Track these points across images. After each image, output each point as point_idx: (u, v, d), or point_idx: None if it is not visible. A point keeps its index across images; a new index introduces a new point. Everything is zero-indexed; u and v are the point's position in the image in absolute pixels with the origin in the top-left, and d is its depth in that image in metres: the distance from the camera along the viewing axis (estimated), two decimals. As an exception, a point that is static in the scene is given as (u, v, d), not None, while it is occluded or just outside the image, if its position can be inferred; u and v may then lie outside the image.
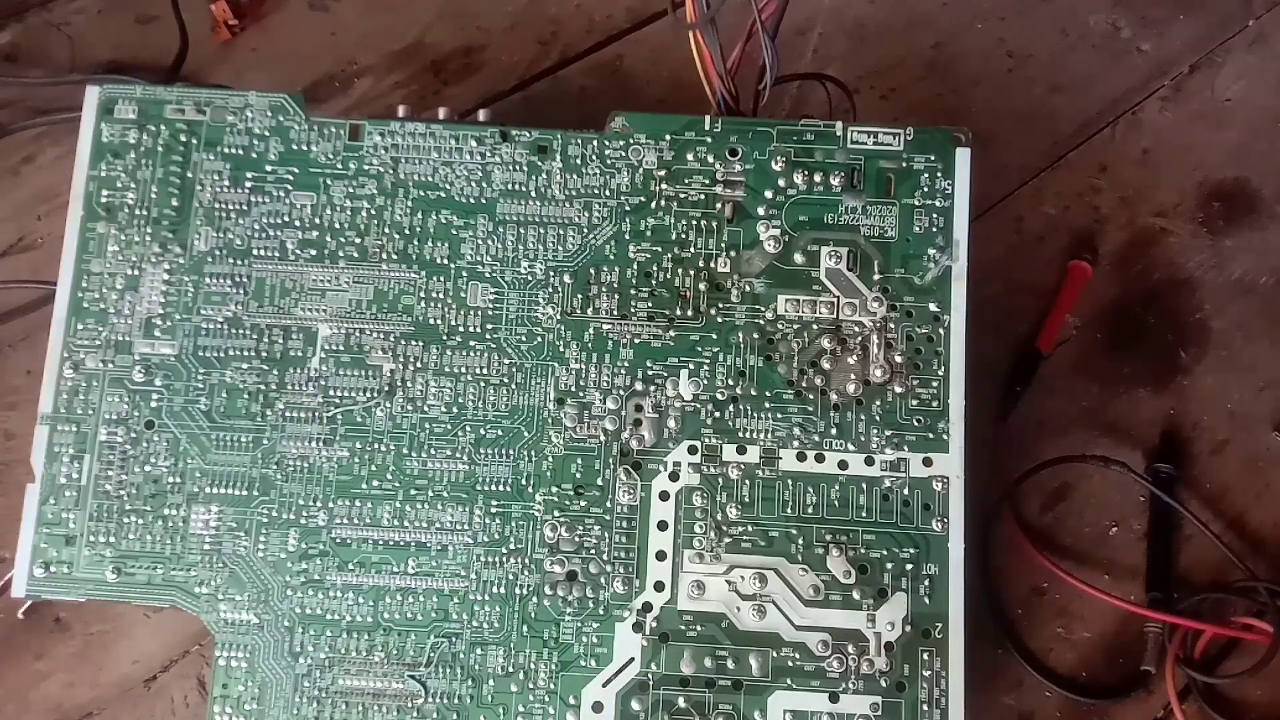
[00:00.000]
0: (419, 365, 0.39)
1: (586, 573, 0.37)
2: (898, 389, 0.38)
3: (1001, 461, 0.42)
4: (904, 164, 0.40)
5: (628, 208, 0.40)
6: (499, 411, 0.38)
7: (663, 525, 0.37)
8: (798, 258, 0.39)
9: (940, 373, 0.38)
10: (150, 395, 0.38)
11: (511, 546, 0.37)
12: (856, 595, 0.37)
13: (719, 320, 0.39)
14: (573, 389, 0.38)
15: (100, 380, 0.38)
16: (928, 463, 0.38)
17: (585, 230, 0.39)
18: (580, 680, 0.37)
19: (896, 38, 0.47)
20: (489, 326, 0.39)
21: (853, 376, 0.38)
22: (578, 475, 0.38)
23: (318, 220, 0.40)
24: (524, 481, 0.38)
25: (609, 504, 0.38)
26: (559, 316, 0.39)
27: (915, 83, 0.47)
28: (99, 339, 0.39)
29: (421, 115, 0.41)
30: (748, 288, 0.39)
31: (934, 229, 0.39)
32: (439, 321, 0.39)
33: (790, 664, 0.36)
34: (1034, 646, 0.41)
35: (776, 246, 0.39)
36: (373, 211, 0.40)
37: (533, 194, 0.40)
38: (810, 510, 0.38)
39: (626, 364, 0.39)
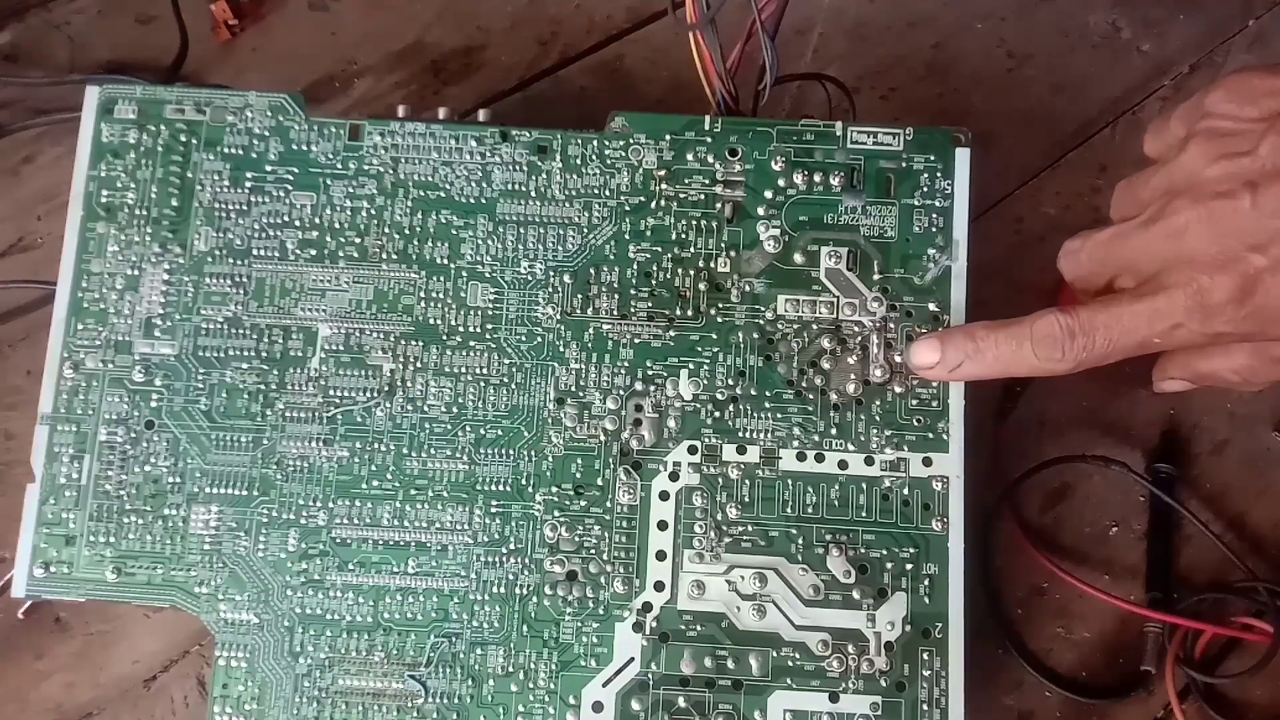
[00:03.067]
0: (419, 365, 0.39)
1: (586, 573, 0.37)
2: (898, 389, 0.38)
3: (1001, 461, 0.42)
4: (904, 164, 0.40)
5: (628, 208, 0.40)
6: (499, 411, 0.38)
7: (663, 525, 0.37)
8: (798, 258, 0.39)
9: (940, 373, 0.38)
10: (150, 395, 0.38)
11: (511, 546, 0.37)
12: (856, 595, 0.37)
13: (719, 320, 0.39)
14: (573, 389, 0.38)
15: (100, 380, 0.38)
16: (928, 463, 0.38)
17: (585, 230, 0.39)
18: (580, 680, 0.37)
19: (896, 38, 0.47)
20: (489, 326, 0.39)
21: (853, 376, 0.38)
22: (578, 475, 0.38)
23: (318, 220, 0.40)
24: (524, 481, 0.38)
25: (609, 504, 0.38)
26: (559, 316, 0.39)
27: (915, 83, 0.47)
28: (99, 339, 0.39)
29: (421, 115, 0.41)
30: (748, 288, 0.39)
31: (934, 229, 0.39)
32: (439, 321, 0.39)
33: (790, 664, 0.36)
34: (1034, 646, 0.41)
35: (776, 246, 0.39)
36: (373, 211, 0.40)
37: (533, 194, 0.40)
38: (810, 510, 0.38)
39: (626, 364, 0.39)
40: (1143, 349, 0.35)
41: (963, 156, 0.40)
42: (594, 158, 0.40)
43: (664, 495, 0.38)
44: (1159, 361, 0.40)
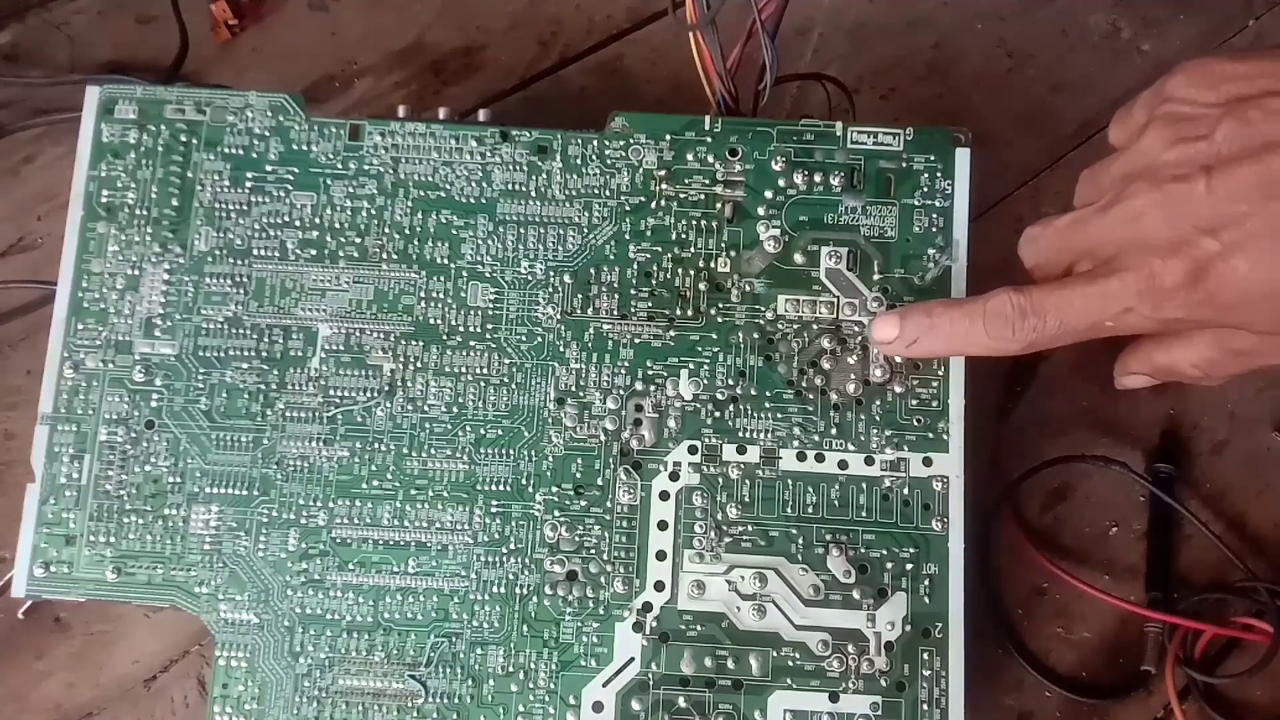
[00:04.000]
0: (419, 365, 0.39)
1: (586, 572, 0.37)
2: (898, 389, 0.38)
3: (1001, 461, 0.42)
4: (904, 164, 0.40)
5: (628, 208, 0.40)
6: (499, 411, 0.38)
7: (663, 525, 0.37)
8: (798, 258, 0.39)
9: (940, 372, 0.38)
10: (150, 395, 0.38)
11: (511, 546, 0.37)
12: (856, 595, 0.37)
13: (719, 320, 0.39)
14: (573, 389, 0.38)
15: (100, 380, 0.38)
16: (928, 463, 0.38)
17: (585, 230, 0.39)
18: (580, 680, 0.37)
19: (896, 38, 0.47)
20: (489, 326, 0.39)
21: (853, 376, 0.38)
22: (578, 475, 0.38)
23: (318, 220, 0.40)
24: (524, 481, 0.38)
25: (609, 504, 0.38)
26: (559, 316, 0.39)
27: (915, 83, 0.47)
28: (99, 339, 0.39)
29: (421, 115, 0.41)
30: (748, 288, 0.39)
31: (934, 229, 0.39)
32: (439, 321, 0.39)
33: (790, 664, 0.36)
34: (1034, 646, 0.41)
35: (776, 246, 0.39)
36: (373, 211, 0.40)
37: (533, 194, 0.40)
38: (810, 510, 0.38)
39: (626, 364, 0.39)
40: (1094, 332, 0.34)
41: (963, 156, 0.40)
42: (594, 158, 0.40)
43: (664, 495, 0.38)
44: (1120, 356, 0.39)
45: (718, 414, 0.38)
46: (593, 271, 0.39)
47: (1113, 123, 0.38)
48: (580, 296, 0.39)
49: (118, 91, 0.40)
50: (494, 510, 0.38)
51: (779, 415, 0.38)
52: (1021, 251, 0.38)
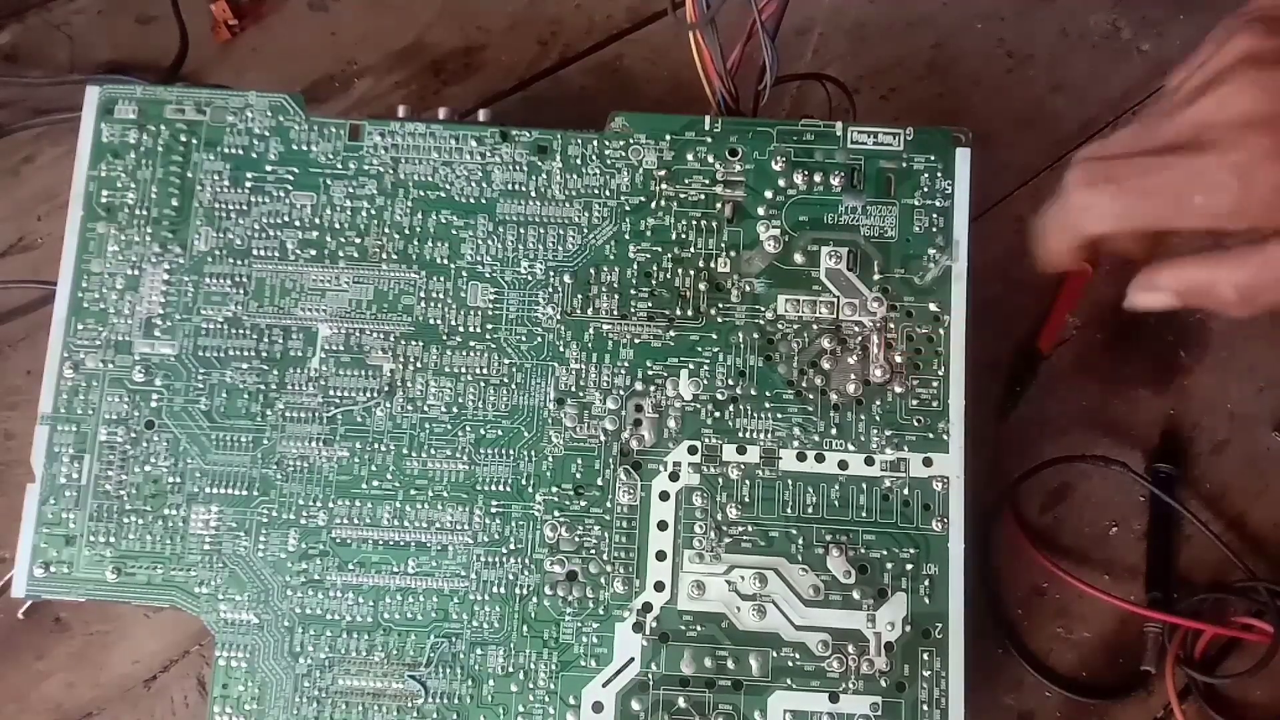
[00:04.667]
0: (419, 365, 0.39)
1: (586, 573, 0.37)
2: (898, 389, 0.38)
3: (1001, 461, 0.42)
4: (904, 164, 0.40)
5: (628, 208, 0.40)
6: (499, 411, 0.38)
7: (663, 525, 0.37)
8: (798, 258, 0.39)
9: (940, 373, 0.38)
10: (150, 395, 0.38)
11: (511, 546, 0.37)
12: (856, 595, 0.37)
13: (719, 320, 0.39)
14: (573, 389, 0.38)
15: (100, 380, 0.38)
16: (928, 463, 0.38)
17: (585, 230, 0.39)
18: (580, 680, 0.37)
19: (896, 38, 0.47)
20: (489, 326, 0.39)
21: (853, 376, 0.38)
22: (578, 475, 0.38)
23: (318, 220, 0.40)
24: (524, 481, 0.38)
25: (609, 504, 0.38)
26: (559, 316, 0.39)
27: (915, 83, 0.47)
28: (99, 339, 0.39)
29: (421, 115, 0.41)
30: (748, 288, 0.39)
31: (934, 229, 0.39)
32: (439, 321, 0.39)
33: (790, 664, 0.36)
34: (1034, 646, 0.41)
35: (776, 246, 0.39)
36: (373, 211, 0.40)
37: (533, 194, 0.40)
38: (810, 510, 0.38)
39: (626, 364, 0.39)
40: (1174, 216, 0.31)
41: (963, 156, 0.40)
42: (594, 158, 0.40)
43: (664, 495, 0.38)
44: (1145, 271, 0.34)
45: (718, 414, 0.38)
46: (593, 271, 0.39)
47: (1176, 71, 0.34)
48: (580, 296, 0.39)
49: (118, 91, 0.40)
50: (494, 510, 0.38)
51: (779, 415, 0.38)
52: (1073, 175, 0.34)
